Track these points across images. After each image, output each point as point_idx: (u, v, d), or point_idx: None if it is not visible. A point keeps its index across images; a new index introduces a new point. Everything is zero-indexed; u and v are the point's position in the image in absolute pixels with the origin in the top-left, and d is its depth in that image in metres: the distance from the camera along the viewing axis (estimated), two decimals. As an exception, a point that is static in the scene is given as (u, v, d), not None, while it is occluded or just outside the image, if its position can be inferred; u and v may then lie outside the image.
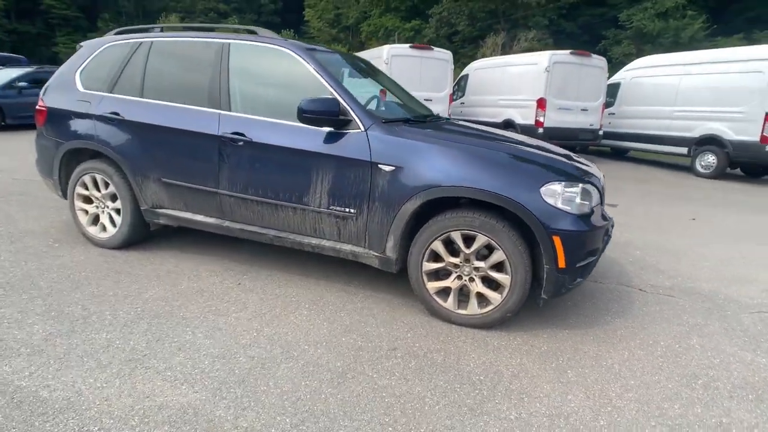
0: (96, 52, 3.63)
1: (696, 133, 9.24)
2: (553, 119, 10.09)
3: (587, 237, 2.56)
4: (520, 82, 10.70)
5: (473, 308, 2.70)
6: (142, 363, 2.19)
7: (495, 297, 2.65)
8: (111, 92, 3.46)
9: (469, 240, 2.64)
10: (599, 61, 10.52)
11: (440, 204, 2.72)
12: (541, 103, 10.09)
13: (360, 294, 3.10)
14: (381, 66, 11.02)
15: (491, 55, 20.97)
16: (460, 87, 13.17)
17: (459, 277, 2.72)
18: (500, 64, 12.20)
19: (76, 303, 2.73)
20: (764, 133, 8.12)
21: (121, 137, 3.36)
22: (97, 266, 3.28)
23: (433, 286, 2.76)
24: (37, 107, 3.76)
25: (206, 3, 45.70)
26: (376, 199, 2.75)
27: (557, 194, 2.51)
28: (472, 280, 2.70)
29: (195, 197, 3.26)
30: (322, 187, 2.86)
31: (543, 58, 10.22)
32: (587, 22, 28.33)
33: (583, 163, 3.05)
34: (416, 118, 3.42)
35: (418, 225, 2.77)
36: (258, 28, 3.24)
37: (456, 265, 2.71)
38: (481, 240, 2.59)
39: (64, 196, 3.76)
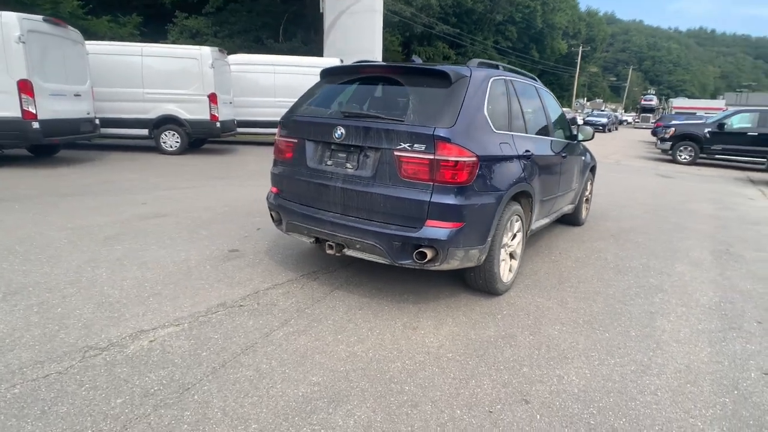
0: (489, 87, 3.19)
1: (154, 115, 9.65)
2: (48, 109, 7.18)
3: None
4: None
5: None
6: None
7: None
8: (510, 130, 3.37)
9: None
10: (76, 35, 8.25)
11: None
12: (25, 87, 6.80)
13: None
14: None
15: None
16: None
17: None
18: None
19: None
20: (212, 113, 9.54)
21: (533, 173, 3.55)
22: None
23: None
24: (462, 160, 2.74)
25: None
26: None
27: None
28: None
29: None
30: None
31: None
32: None
33: None
34: None
35: None
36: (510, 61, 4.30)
37: None
38: None
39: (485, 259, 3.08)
